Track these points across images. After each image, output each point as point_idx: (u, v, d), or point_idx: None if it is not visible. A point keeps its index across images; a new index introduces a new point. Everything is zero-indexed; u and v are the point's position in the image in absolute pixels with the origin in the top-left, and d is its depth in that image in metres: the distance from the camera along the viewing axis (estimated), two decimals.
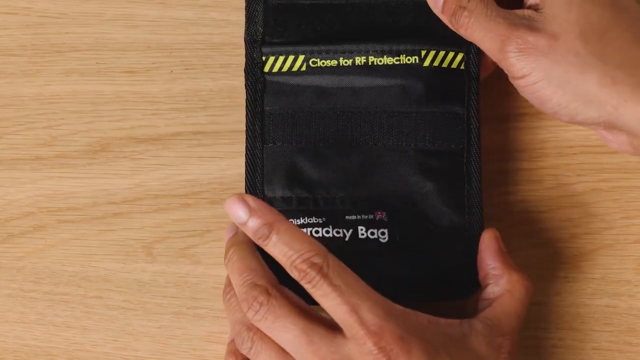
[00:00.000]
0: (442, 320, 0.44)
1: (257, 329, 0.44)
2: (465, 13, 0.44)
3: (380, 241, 0.47)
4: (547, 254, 0.52)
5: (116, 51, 0.53)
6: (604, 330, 0.52)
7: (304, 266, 0.42)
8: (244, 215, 0.44)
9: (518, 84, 0.45)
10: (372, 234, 0.47)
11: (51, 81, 0.53)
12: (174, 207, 0.53)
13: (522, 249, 0.52)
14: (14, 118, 0.53)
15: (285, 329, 0.43)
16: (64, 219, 0.53)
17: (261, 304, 0.43)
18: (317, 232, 0.47)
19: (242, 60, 0.52)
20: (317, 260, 0.42)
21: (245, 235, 0.45)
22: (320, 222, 0.47)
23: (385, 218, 0.47)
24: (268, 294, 0.44)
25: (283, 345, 0.43)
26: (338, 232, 0.47)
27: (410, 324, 0.42)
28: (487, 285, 0.47)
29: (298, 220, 0.47)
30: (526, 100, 0.47)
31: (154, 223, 0.53)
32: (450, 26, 0.45)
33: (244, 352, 0.45)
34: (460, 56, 0.47)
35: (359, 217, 0.47)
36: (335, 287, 0.41)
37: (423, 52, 0.46)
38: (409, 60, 0.46)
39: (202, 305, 0.52)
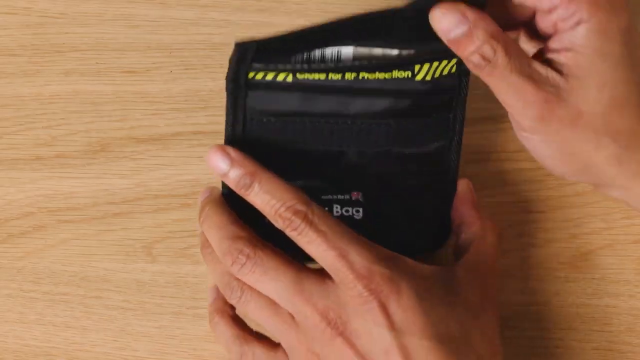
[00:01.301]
0: (426, 267, 0.44)
1: None
2: (488, 68, 0.41)
3: (354, 218, 0.46)
4: (547, 254, 0.52)
5: (116, 51, 0.53)
6: (603, 330, 0.52)
7: (288, 214, 0.42)
8: (225, 166, 0.43)
9: (524, 135, 0.44)
10: (347, 211, 0.46)
11: (51, 81, 0.53)
12: (174, 207, 0.53)
13: (522, 249, 0.52)
14: (14, 118, 0.53)
15: (274, 281, 0.42)
16: (64, 219, 0.53)
17: (247, 257, 0.43)
18: None
19: None
20: (300, 207, 0.42)
21: (220, 194, 0.45)
22: None
23: (360, 198, 0.47)
24: (253, 245, 0.43)
25: (272, 296, 0.43)
26: None
27: (399, 266, 0.42)
28: (461, 232, 0.48)
29: None
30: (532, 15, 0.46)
31: (154, 223, 0.53)
32: (467, 65, 0.42)
33: (233, 302, 0.44)
34: (453, 61, 0.45)
35: (334, 196, 0.46)
36: (321, 233, 0.41)
37: (417, 67, 0.45)
38: (401, 75, 0.45)
39: (202, 305, 0.52)
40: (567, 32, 0.40)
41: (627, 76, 0.41)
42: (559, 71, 0.41)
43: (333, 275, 0.42)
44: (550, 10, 0.41)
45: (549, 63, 0.41)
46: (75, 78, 0.53)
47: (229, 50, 0.53)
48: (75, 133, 0.53)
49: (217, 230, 0.44)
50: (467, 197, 0.48)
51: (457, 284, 0.44)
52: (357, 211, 0.47)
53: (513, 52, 0.40)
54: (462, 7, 0.40)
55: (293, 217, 0.42)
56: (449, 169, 0.48)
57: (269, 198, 0.42)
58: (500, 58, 0.40)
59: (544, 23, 0.42)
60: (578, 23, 0.40)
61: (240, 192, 0.43)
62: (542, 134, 0.43)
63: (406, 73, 0.44)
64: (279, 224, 0.42)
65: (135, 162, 0.53)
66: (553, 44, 0.41)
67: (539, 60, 0.42)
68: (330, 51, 0.43)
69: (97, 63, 0.53)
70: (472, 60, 0.41)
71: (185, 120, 0.53)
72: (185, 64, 0.53)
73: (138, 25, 0.54)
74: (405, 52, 0.44)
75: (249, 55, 0.42)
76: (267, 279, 0.43)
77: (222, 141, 0.52)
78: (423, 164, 0.47)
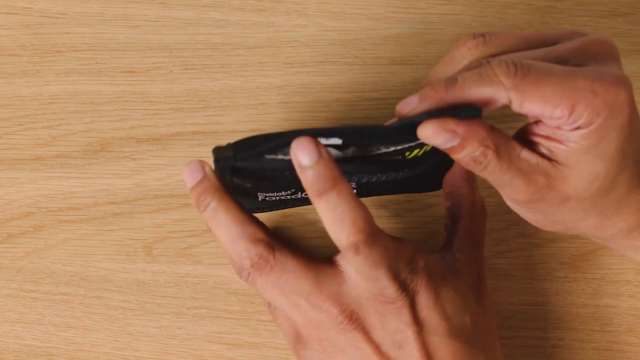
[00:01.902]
0: (435, 256, 0.46)
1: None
2: (480, 168, 0.41)
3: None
4: (547, 254, 0.52)
5: (116, 51, 0.53)
6: (604, 330, 0.52)
7: (348, 237, 0.40)
8: (309, 160, 0.40)
9: (510, 204, 0.44)
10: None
11: (51, 81, 0.53)
12: (174, 207, 0.53)
13: (522, 249, 0.52)
14: (14, 118, 0.53)
15: (295, 283, 0.43)
16: (64, 219, 0.53)
17: (267, 261, 0.42)
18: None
19: (242, 60, 0.52)
20: (359, 232, 0.41)
21: (219, 181, 0.43)
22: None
23: (354, 186, 0.47)
24: (272, 248, 0.42)
25: (291, 293, 0.44)
26: None
27: (418, 263, 0.44)
28: (451, 203, 0.48)
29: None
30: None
31: (154, 223, 0.53)
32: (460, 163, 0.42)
33: (243, 278, 0.45)
34: None
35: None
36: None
37: (407, 153, 0.44)
38: (392, 158, 0.45)
39: (202, 305, 0.52)
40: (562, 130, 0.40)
41: (620, 167, 0.41)
42: (547, 157, 0.41)
43: (349, 265, 0.43)
44: (551, 119, 0.40)
45: (536, 146, 0.41)
46: (75, 78, 0.53)
47: (229, 50, 0.53)
48: (75, 133, 0.53)
49: (227, 229, 0.43)
50: (463, 168, 0.48)
51: (459, 268, 0.46)
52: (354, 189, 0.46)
53: (504, 151, 0.40)
54: (451, 124, 0.39)
55: (347, 240, 0.41)
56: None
57: (338, 213, 0.40)
58: (491, 160, 0.40)
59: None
60: (577, 128, 0.39)
61: (311, 195, 0.41)
62: (530, 209, 0.43)
63: (397, 157, 0.44)
64: (334, 239, 0.41)
65: (135, 162, 0.53)
66: (542, 130, 0.41)
67: (529, 143, 0.41)
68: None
69: (97, 63, 0.53)
70: (464, 162, 0.41)
71: (185, 120, 0.53)
72: (185, 64, 0.53)
73: (138, 25, 0.54)
74: (396, 147, 0.44)
75: (228, 164, 0.41)
76: (288, 281, 0.43)
77: (222, 141, 0.52)
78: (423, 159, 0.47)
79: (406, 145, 0.43)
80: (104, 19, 0.54)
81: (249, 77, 0.53)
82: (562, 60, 0.40)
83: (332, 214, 0.40)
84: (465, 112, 0.39)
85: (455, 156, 0.40)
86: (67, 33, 0.54)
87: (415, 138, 0.40)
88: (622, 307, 0.52)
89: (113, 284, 0.53)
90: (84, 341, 0.52)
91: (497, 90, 0.39)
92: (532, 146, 0.41)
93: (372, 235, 0.40)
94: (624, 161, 0.41)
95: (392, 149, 0.44)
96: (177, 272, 0.52)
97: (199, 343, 0.52)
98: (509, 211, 0.51)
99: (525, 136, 0.41)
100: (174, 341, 0.52)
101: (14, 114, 0.53)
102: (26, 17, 0.54)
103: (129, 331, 0.52)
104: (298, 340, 0.46)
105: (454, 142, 0.40)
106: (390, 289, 0.42)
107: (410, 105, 0.40)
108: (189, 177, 0.43)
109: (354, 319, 0.43)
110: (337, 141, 0.42)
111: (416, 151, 0.44)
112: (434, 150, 0.44)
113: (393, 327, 0.43)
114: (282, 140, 0.41)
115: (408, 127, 0.40)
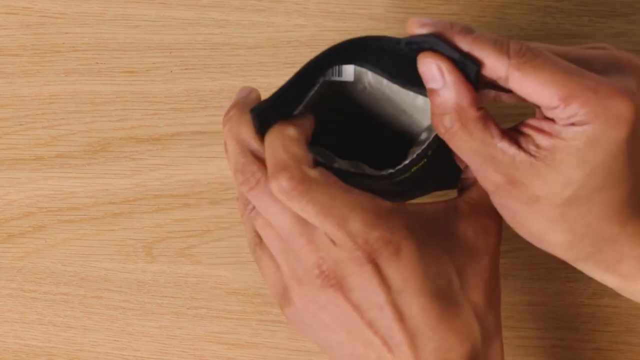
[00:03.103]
0: (428, 206, 0.43)
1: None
2: (447, 135, 0.40)
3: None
4: (547, 254, 0.52)
5: (116, 51, 0.53)
6: (604, 330, 0.52)
7: (281, 177, 0.40)
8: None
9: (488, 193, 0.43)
10: None
11: (51, 81, 0.53)
12: (174, 207, 0.53)
13: (523, 249, 0.52)
14: (13, 118, 0.53)
15: (279, 214, 0.41)
16: (64, 219, 0.53)
17: (258, 181, 0.41)
18: None
19: (242, 60, 0.52)
20: (294, 172, 0.40)
21: (253, 100, 0.42)
22: None
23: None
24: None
25: (274, 225, 0.42)
26: None
27: (397, 221, 0.41)
28: (466, 166, 0.45)
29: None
30: (525, 101, 0.47)
31: (154, 223, 0.53)
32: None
33: (240, 212, 0.44)
34: None
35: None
36: (317, 201, 0.40)
37: (414, 168, 0.44)
38: (402, 177, 0.44)
39: (202, 305, 0.52)
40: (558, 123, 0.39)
41: (601, 184, 0.39)
42: (529, 151, 0.40)
43: (333, 239, 0.41)
44: (547, 108, 0.39)
45: (524, 137, 0.40)
46: (75, 78, 0.53)
47: (229, 50, 0.53)
48: (75, 133, 0.53)
49: (235, 142, 0.42)
50: None
51: (460, 222, 0.43)
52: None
53: (474, 131, 0.39)
54: (445, 65, 0.39)
55: (290, 179, 0.40)
56: None
57: (270, 152, 0.40)
58: (457, 132, 0.40)
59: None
60: (571, 124, 0.38)
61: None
62: (497, 200, 0.42)
63: (406, 174, 0.44)
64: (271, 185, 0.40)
65: (135, 162, 0.53)
66: (537, 122, 0.40)
67: (518, 134, 0.40)
68: (330, 70, 0.42)
69: (97, 63, 0.53)
70: (435, 113, 0.40)
71: (185, 120, 0.53)
72: (185, 64, 0.53)
73: (138, 25, 0.54)
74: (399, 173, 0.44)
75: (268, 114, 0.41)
76: (273, 210, 0.41)
77: (222, 141, 0.52)
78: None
79: (407, 161, 0.43)
80: (104, 19, 0.54)
81: (249, 77, 0.53)
82: (584, 61, 0.40)
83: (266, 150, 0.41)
84: (468, 62, 0.39)
85: (432, 102, 0.40)
86: (67, 33, 0.54)
87: (411, 73, 0.40)
88: (622, 307, 0.52)
89: (113, 284, 0.53)
90: (84, 341, 0.52)
91: (499, 61, 0.38)
92: (518, 138, 0.40)
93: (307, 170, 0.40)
94: (608, 179, 0.39)
95: (401, 165, 0.43)
96: (177, 272, 0.52)
97: (199, 343, 0.52)
98: None
99: (519, 127, 0.41)
100: (174, 341, 0.52)
101: (14, 114, 0.53)
102: (26, 17, 0.54)
103: (129, 331, 0.52)
104: (284, 296, 0.44)
105: (437, 85, 0.39)
106: (357, 251, 0.40)
107: (424, 23, 0.40)
108: (239, 94, 0.43)
109: (332, 277, 0.41)
110: (349, 68, 0.42)
111: (421, 163, 0.44)
112: (434, 158, 0.44)
113: (369, 289, 0.41)
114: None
115: (412, 48, 0.40)
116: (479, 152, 0.40)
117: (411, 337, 0.41)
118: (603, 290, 0.52)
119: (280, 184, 0.39)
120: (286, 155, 0.40)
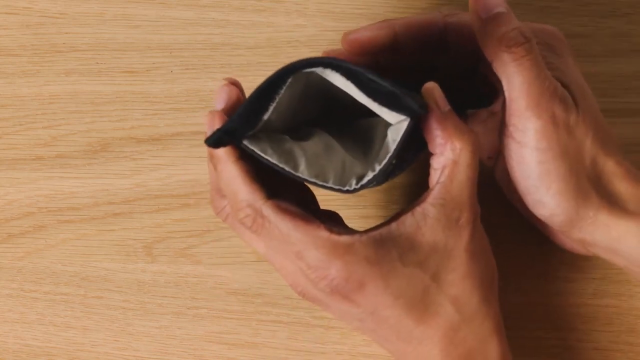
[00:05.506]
0: (393, 224, 0.42)
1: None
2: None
3: None
4: (547, 254, 0.52)
5: (116, 51, 0.53)
6: (604, 330, 0.52)
7: (240, 214, 0.42)
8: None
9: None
10: None
11: (51, 81, 0.53)
12: (174, 207, 0.53)
13: (523, 249, 0.52)
14: (14, 118, 0.53)
15: (254, 241, 0.44)
16: (64, 219, 0.53)
17: (227, 215, 0.45)
18: None
19: (242, 60, 0.52)
20: (251, 209, 0.42)
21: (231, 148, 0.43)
22: None
23: None
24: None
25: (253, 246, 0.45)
26: None
27: (356, 255, 0.41)
28: (434, 154, 0.43)
29: None
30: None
31: (154, 223, 0.53)
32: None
33: (242, 223, 0.44)
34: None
35: None
36: (273, 234, 0.42)
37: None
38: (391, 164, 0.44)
39: (202, 305, 0.52)
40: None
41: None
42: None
43: (300, 268, 0.42)
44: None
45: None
46: (75, 78, 0.53)
47: (229, 50, 0.53)
48: (75, 133, 0.53)
49: (210, 173, 0.45)
50: (430, 113, 0.43)
51: (428, 229, 0.42)
52: None
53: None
54: (436, 122, 0.42)
55: (244, 219, 0.42)
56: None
57: (227, 191, 0.42)
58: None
59: None
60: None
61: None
62: (495, 165, 0.49)
63: (394, 161, 0.43)
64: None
65: (135, 162, 0.53)
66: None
67: None
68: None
69: (97, 63, 0.53)
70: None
71: (185, 120, 0.53)
72: (185, 64, 0.53)
73: (138, 25, 0.54)
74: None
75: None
76: (247, 238, 0.45)
77: None
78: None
79: (370, 177, 0.42)
80: (104, 19, 0.54)
81: (249, 77, 0.53)
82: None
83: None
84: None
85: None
86: (67, 33, 0.54)
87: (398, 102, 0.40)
88: (623, 307, 0.52)
89: (113, 284, 0.53)
90: (84, 341, 0.52)
91: (496, 49, 0.43)
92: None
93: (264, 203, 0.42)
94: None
95: (364, 180, 0.42)
96: (177, 272, 0.52)
97: (199, 343, 0.52)
98: (509, 212, 0.51)
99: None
100: (174, 341, 0.52)
101: (14, 114, 0.53)
102: (26, 17, 0.54)
103: (129, 331, 0.52)
104: (303, 286, 0.44)
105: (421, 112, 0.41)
106: (320, 283, 0.42)
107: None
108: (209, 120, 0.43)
109: (310, 298, 0.44)
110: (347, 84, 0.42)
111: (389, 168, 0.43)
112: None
113: (343, 309, 0.44)
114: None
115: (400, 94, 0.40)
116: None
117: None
118: (604, 290, 0.52)
119: (242, 222, 0.42)
120: (240, 195, 0.42)
